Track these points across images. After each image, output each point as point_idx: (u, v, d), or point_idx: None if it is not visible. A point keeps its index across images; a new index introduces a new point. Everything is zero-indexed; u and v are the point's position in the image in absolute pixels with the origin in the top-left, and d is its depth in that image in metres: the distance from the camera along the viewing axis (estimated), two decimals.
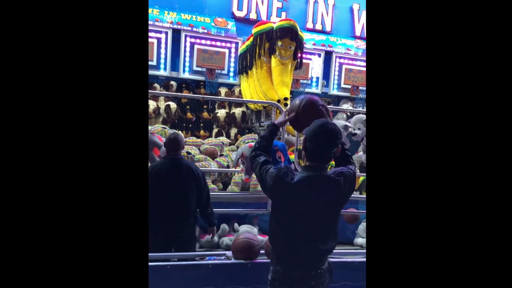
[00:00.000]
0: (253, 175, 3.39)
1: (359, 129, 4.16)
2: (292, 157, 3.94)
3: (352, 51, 6.24)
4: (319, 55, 6.00)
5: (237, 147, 4.52)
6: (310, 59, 5.91)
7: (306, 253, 1.61)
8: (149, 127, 4.58)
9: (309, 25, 6.27)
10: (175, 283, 2.03)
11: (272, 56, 4.56)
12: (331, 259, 1.92)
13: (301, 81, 5.77)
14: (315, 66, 5.95)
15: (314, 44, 6.06)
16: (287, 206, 1.62)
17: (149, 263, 2.15)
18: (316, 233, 1.62)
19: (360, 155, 4.51)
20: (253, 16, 6.03)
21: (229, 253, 2.20)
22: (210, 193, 2.95)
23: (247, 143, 3.95)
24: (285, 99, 4.38)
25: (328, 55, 6.06)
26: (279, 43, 4.43)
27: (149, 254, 2.53)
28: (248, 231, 3.37)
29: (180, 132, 4.60)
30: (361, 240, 4.11)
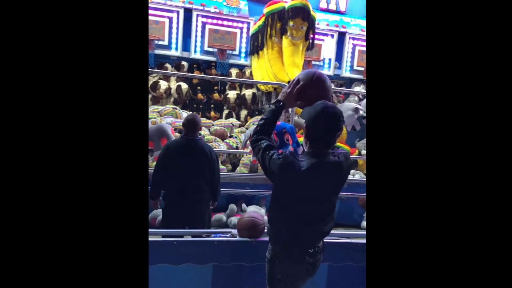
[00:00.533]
0: None
1: None
2: (301, 139, 3.94)
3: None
4: (332, 36, 5.88)
5: (247, 129, 4.54)
6: (322, 40, 5.80)
7: (308, 235, 1.64)
8: (160, 107, 4.63)
9: (323, 4, 6.11)
10: (181, 259, 2.11)
11: (284, 36, 4.50)
12: (337, 241, 1.97)
13: (313, 62, 5.68)
14: (328, 47, 5.84)
15: (327, 25, 5.92)
16: (292, 192, 1.59)
17: (157, 239, 2.24)
18: (319, 216, 1.64)
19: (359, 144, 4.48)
20: None
21: (234, 231, 2.25)
22: (220, 174, 3.03)
23: (255, 124, 3.96)
24: None
25: (341, 36, 5.92)
26: (291, 23, 4.36)
27: (161, 230, 2.64)
28: (255, 211, 3.43)
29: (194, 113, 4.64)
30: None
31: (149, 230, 2.90)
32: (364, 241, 2.41)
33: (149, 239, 2.24)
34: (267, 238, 2.16)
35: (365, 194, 3.95)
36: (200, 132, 4.06)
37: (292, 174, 1.53)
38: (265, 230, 2.21)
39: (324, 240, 1.76)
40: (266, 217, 3.14)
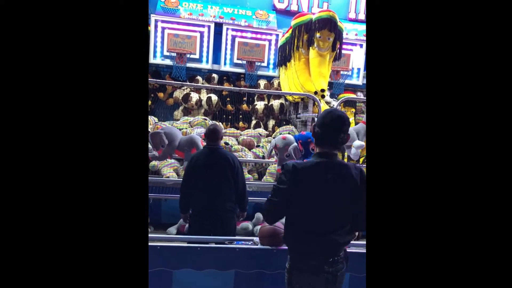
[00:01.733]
0: None
1: None
2: None
3: None
4: (361, 46, 5.86)
5: (273, 138, 4.60)
6: (351, 50, 5.79)
7: (321, 244, 1.64)
8: (190, 119, 4.82)
9: (352, 15, 6.12)
10: (204, 264, 2.19)
11: (311, 47, 4.56)
12: (357, 251, 1.96)
13: (341, 72, 5.68)
14: (357, 57, 5.82)
15: (356, 35, 5.92)
16: (300, 194, 1.62)
17: (181, 245, 2.34)
18: (331, 224, 1.65)
19: None
20: (294, 7, 6.01)
21: (256, 239, 2.31)
22: (247, 182, 3.07)
23: (280, 134, 4.02)
24: (322, 90, 4.38)
25: None
26: (318, 34, 4.41)
27: (185, 236, 2.74)
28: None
29: (219, 123, 4.78)
30: None
31: (176, 236, 3.03)
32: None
33: (175, 244, 2.36)
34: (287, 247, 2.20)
35: None
36: (227, 141, 4.19)
37: (297, 172, 1.60)
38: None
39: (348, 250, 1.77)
40: None
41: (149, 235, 2.54)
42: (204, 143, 3.84)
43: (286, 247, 1.88)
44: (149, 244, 2.23)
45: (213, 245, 2.33)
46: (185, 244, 2.32)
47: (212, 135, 2.83)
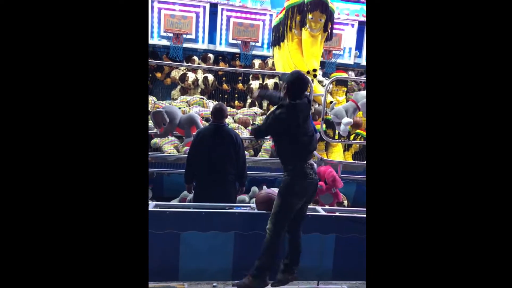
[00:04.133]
0: None
1: None
2: (318, 126, 4.21)
3: None
4: (353, 26, 6.01)
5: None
6: (343, 29, 5.95)
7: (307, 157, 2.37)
8: (188, 98, 5.02)
9: None
10: (208, 227, 2.49)
11: (303, 28, 4.73)
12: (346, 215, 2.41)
13: (333, 52, 5.86)
14: (348, 36, 5.99)
15: (347, 14, 6.06)
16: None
17: (188, 210, 2.62)
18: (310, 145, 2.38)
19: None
20: None
21: (253, 204, 2.60)
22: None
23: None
24: (314, 70, 4.59)
25: (361, 26, 6.04)
26: (310, 16, 4.58)
27: (192, 203, 3.01)
28: (272, 189, 3.75)
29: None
30: None
31: (183, 203, 3.31)
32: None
33: (183, 210, 2.63)
34: None
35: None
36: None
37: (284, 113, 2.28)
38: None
39: (334, 214, 2.30)
40: None
41: (159, 202, 2.83)
42: (203, 122, 4.08)
43: None
44: (159, 209, 2.52)
45: (216, 210, 2.62)
46: (191, 210, 2.62)
47: (218, 113, 3.08)
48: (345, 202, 4.22)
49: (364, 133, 5.61)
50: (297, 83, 2.34)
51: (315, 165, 2.45)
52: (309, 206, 2.57)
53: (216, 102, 4.97)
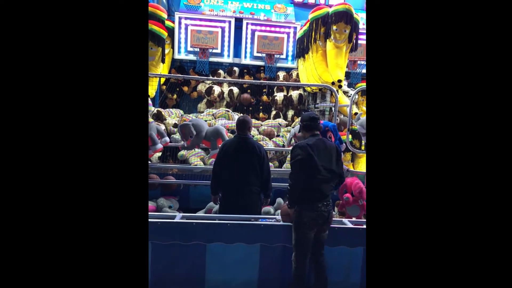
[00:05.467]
0: None
1: None
2: (344, 137, 4.16)
3: None
4: None
5: (293, 128, 4.84)
6: None
7: (317, 193, 2.40)
8: (214, 111, 5.12)
9: None
10: (233, 238, 2.50)
11: (327, 40, 4.73)
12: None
13: (358, 62, 5.82)
14: None
15: None
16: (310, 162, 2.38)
17: (214, 221, 2.65)
18: (325, 181, 2.44)
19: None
20: (311, 0, 6.16)
21: (278, 217, 2.59)
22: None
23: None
24: (339, 81, 4.56)
25: None
26: (334, 27, 4.58)
27: (218, 215, 3.04)
28: None
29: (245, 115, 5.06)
30: None
31: (209, 215, 3.35)
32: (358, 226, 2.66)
33: (208, 221, 2.67)
34: None
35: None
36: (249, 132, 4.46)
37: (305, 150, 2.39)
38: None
39: (362, 227, 2.39)
40: None
41: (185, 214, 2.87)
42: (229, 134, 4.14)
43: None
44: (185, 221, 2.56)
45: (241, 221, 2.63)
46: (217, 221, 2.64)
47: (242, 125, 3.11)
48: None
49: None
50: (310, 119, 2.57)
51: (330, 202, 2.50)
52: (335, 219, 2.55)
53: (241, 114, 5.05)
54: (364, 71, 5.90)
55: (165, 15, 4.75)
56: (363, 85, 5.48)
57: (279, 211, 4.15)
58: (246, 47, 5.94)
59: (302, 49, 5.29)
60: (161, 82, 5.78)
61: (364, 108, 5.23)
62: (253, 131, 4.59)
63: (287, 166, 4.38)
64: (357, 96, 5.28)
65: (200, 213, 4.32)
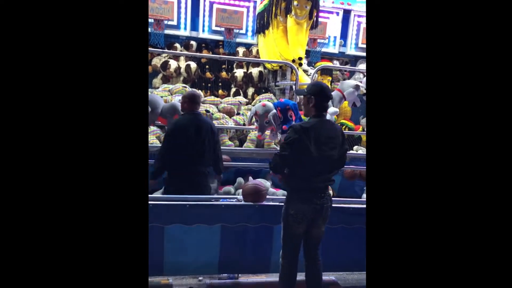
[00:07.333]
0: (266, 132, 3.66)
1: None
2: (304, 117, 4.15)
3: None
4: (338, 14, 5.95)
5: (253, 106, 4.75)
6: (328, 18, 5.88)
7: (312, 183, 2.13)
8: (170, 86, 4.86)
9: None
10: (193, 219, 2.40)
11: (288, 15, 4.63)
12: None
13: (318, 40, 5.80)
14: (333, 25, 5.93)
15: (332, 2, 5.98)
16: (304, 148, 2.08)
17: (171, 202, 2.53)
18: (322, 170, 2.16)
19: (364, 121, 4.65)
20: None
21: (240, 196, 2.53)
22: (228, 149, 3.21)
23: (260, 102, 4.17)
24: (299, 59, 4.51)
25: (346, 14, 5.99)
26: (295, 2, 4.48)
27: (169, 195, 2.90)
28: (259, 180, 3.70)
29: (198, 90, 4.85)
30: None
31: (167, 196, 3.20)
32: (357, 206, 2.68)
33: (166, 202, 2.53)
34: (269, 203, 2.44)
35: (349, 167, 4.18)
36: (208, 109, 4.30)
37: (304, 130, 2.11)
38: (267, 196, 2.49)
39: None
40: (268, 184, 3.43)
41: None
42: None
43: (267, 203, 2.16)
44: None
45: (202, 202, 2.54)
46: (176, 202, 2.52)
47: (190, 100, 2.93)
48: (331, 192, 4.22)
49: (349, 123, 5.61)
50: (323, 94, 2.19)
51: (329, 192, 2.27)
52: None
53: (199, 90, 4.85)
54: (323, 49, 5.90)
55: None
56: (322, 63, 5.48)
57: (240, 191, 4.11)
58: (204, 20, 5.65)
59: (262, 25, 5.14)
60: None
61: None
62: (213, 109, 4.44)
63: (247, 145, 4.31)
64: (316, 75, 5.28)
65: (157, 195, 4.16)
